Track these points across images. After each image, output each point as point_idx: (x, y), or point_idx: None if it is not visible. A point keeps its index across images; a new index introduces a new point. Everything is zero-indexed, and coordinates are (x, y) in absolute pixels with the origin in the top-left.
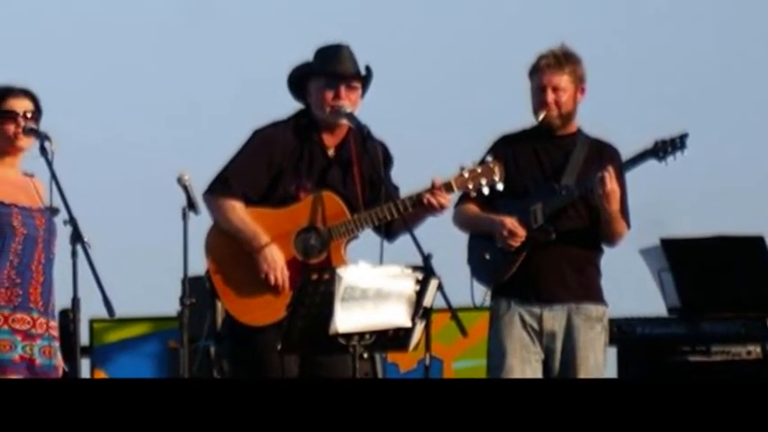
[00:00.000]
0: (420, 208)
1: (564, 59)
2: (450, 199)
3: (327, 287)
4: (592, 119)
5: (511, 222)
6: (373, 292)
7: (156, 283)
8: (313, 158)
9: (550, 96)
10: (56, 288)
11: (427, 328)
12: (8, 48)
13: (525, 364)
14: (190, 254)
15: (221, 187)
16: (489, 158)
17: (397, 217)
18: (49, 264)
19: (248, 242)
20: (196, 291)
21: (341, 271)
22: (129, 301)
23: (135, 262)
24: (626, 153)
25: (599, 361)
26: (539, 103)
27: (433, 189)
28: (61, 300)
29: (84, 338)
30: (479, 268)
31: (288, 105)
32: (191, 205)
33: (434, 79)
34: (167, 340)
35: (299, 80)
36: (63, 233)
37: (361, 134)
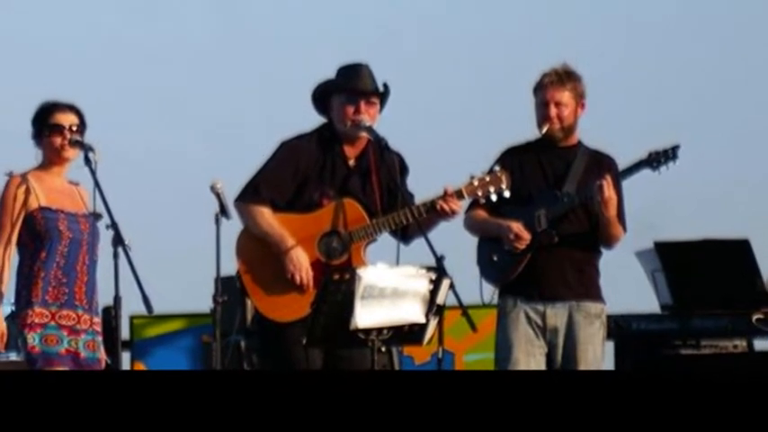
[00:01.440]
0: (433, 213)
1: (565, 77)
2: (461, 205)
3: (348, 286)
4: (591, 132)
5: (517, 227)
6: (390, 290)
7: (190, 282)
8: (335, 168)
9: (553, 111)
10: (99, 287)
11: (440, 324)
12: (57, 66)
13: (530, 356)
14: (222, 256)
15: (251, 194)
16: (497, 168)
17: (412, 222)
18: (93, 265)
19: (276, 245)
20: (228, 289)
21: (361, 271)
22: (166, 299)
23: (171, 263)
24: (622, 163)
25: (598, 354)
26: (542, 117)
27: (445, 196)
28: (104, 298)
29: (124, 333)
30: (488, 269)
31: (312, 119)
32: (223, 211)
33: (447, 96)
34: (201, 335)
35: (323, 96)
36: (105, 237)
37: (379, 146)
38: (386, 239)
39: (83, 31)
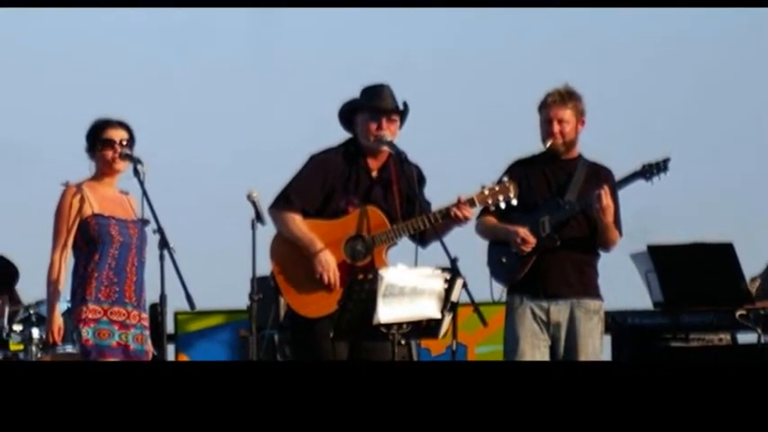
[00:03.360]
0: (448, 219)
1: (567, 97)
2: (473, 212)
3: (371, 285)
4: (591, 146)
5: (523, 231)
6: (409, 289)
7: (229, 281)
8: (359, 179)
9: (556, 127)
10: (146, 286)
11: (454, 319)
12: (109, 87)
13: (535, 349)
14: (257, 258)
15: (283, 202)
16: (505, 178)
17: (429, 227)
18: (141, 266)
19: (306, 248)
20: (262, 288)
21: (382, 272)
22: (207, 297)
23: (212, 264)
24: (619, 174)
25: (596, 347)
26: (546, 133)
27: (458, 204)
28: (151, 295)
29: (169, 328)
30: (497, 269)
31: (338, 134)
32: (258, 217)
33: (460, 113)
34: (239, 329)
35: (348, 114)
36: (152, 241)
37: (399, 159)
38: (405, 243)
39: (133, 58)
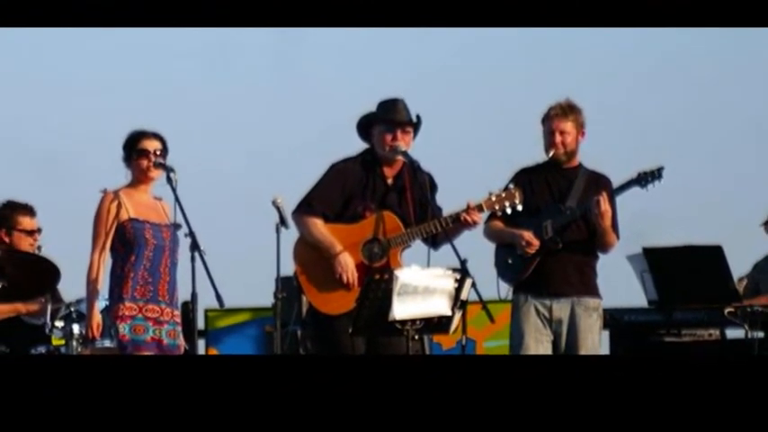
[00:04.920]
0: (458, 224)
1: (569, 109)
2: (481, 217)
3: (387, 285)
4: (590, 155)
5: (528, 235)
6: (422, 288)
7: (255, 281)
8: (376, 186)
9: (558, 138)
10: (178, 285)
11: (463, 316)
12: (144, 101)
13: (539, 343)
14: (281, 259)
15: (305, 208)
16: (511, 186)
17: (440, 231)
18: (174, 267)
19: (326, 250)
20: (286, 287)
21: (397, 272)
22: (235, 295)
23: (239, 265)
24: (616, 182)
25: (595, 342)
26: (549, 143)
27: (468, 209)
28: (183, 294)
29: (200, 324)
30: (503, 270)
31: (356, 144)
32: (282, 222)
33: (469, 125)
34: (264, 325)
35: (365, 126)
36: (184, 243)
37: (412, 167)
38: (418, 245)
39: (167, 75)
